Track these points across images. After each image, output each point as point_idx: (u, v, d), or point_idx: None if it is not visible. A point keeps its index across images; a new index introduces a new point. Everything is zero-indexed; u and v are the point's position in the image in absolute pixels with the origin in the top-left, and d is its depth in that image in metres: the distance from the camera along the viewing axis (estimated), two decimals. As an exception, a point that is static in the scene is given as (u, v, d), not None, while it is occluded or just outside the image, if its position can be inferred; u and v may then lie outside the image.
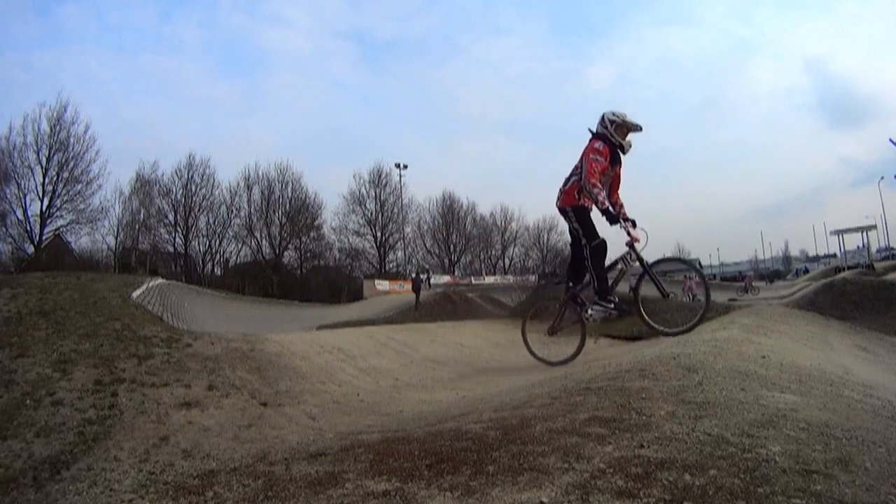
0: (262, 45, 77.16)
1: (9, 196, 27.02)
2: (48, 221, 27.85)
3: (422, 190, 71.36)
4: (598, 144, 6.30)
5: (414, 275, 29.25)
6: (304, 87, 77.72)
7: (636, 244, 6.55)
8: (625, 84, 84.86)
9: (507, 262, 51.02)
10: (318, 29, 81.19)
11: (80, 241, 30.03)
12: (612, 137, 6.30)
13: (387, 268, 42.18)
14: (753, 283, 30.81)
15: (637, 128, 6.35)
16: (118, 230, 31.69)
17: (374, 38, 79.66)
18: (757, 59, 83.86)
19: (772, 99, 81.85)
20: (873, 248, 36.43)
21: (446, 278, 40.63)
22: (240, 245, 38.30)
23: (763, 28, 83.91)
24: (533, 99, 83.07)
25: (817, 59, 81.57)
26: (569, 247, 7.70)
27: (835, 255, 38.89)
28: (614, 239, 6.60)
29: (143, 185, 33.32)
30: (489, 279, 43.26)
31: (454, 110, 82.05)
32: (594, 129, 6.41)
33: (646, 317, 7.10)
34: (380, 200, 43.29)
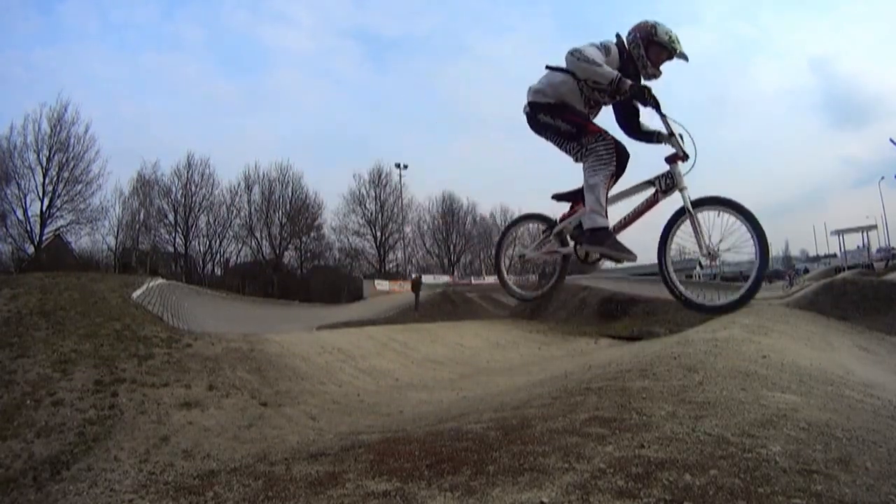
0: (264, 44, 77.25)
1: (9, 196, 26.95)
2: (48, 221, 27.79)
3: (422, 190, 71.42)
4: None
5: (414, 275, 29.24)
6: (305, 87, 77.71)
7: None
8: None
9: (507, 262, 50.99)
10: (320, 27, 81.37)
11: (81, 241, 29.95)
12: None
13: (387, 268, 42.14)
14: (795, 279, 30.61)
15: None
16: (118, 230, 31.64)
17: (378, 36, 79.78)
18: (761, 59, 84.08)
19: (775, 99, 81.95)
20: (873, 248, 36.35)
21: (446, 278, 40.59)
22: (240, 245, 38.19)
23: (768, 27, 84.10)
24: None
25: (822, 58, 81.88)
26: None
27: (835, 255, 38.85)
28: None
29: (144, 185, 33.26)
30: (489, 279, 43.19)
31: (455, 110, 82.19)
32: None
33: None
34: (380, 200, 43.22)
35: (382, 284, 34.69)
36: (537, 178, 77.90)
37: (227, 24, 71.18)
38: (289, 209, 38.59)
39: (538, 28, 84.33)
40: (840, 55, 79.25)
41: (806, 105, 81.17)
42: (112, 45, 63.56)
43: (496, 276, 3.73)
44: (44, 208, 27.32)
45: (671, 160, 2.66)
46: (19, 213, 26.96)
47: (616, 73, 2.53)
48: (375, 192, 43.03)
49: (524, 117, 2.90)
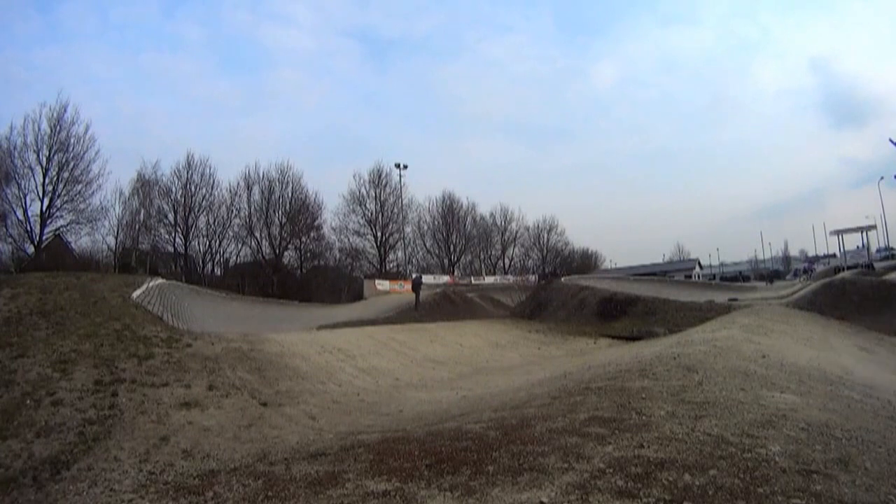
0: (264, 44, 77.37)
1: (9, 196, 26.93)
2: (48, 221, 27.78)
3: (422, 190, 71.68)
4: None
5: (414, 275, 29.24)
6: (306, 87, 77.93)
7: None
8: (629, 84, 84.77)
9: (507, 262, 50.94)
10: (321, 28, 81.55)
11: (80, 241, 29.94)
12: None
13: (387, 268, 42.16)
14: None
15: None
16: (118, 230, 31.65)
17: (378, 36, 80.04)
18: (761, 59, 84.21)
19: (776, 99, 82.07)
20: (873, 249, 36.43)
21: (446, 278, 40.61)
22: (240, 245, 38.18)
23: (768, 27, 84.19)
24: (535, 98, 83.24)
25: (823, 58, 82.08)
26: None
27: (834, 255, 38.92)
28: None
29: (144, 185, 33.29)
30: (489, 279, 43.21)
31: (456, 110, 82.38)
32: None
33: None
34: (380, 200, 43.24)
35: (382, 284, 34.68)
36: (537, 174, 78.04)
37: (228, 24, 71.20)
38: (289, 209, 38.61)
39: (539, 28, 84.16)
40: (841, 55, 79.28)
41: (806, 105, 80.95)
42: (112, 45, 63.59)
43: None
44: (44, 208, 27.31)
45: None
46: (19, 213, 26.95)
47: None
48: (376, 192, 43.06)
49: None
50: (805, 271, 38.91)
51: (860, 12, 74.01)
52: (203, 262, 36.74)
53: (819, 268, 36.45)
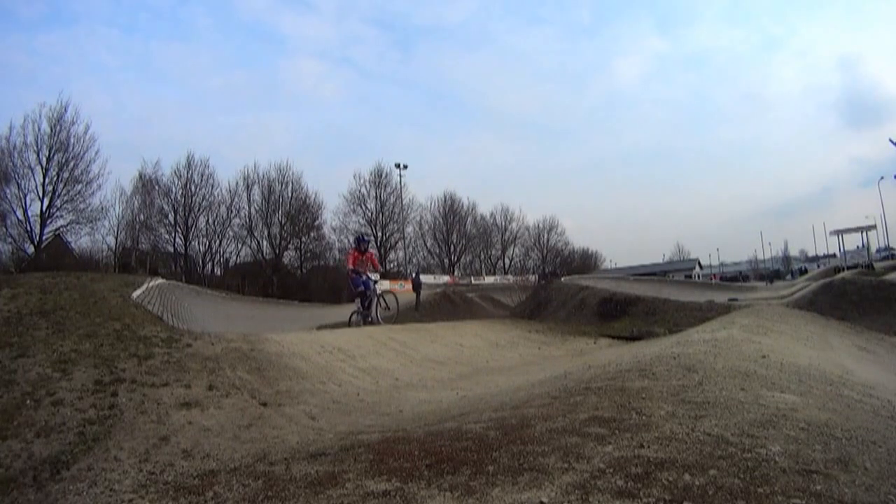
0: (264, 45, 77.30)
1: (9, 196, 27.01)
2: (48, 221, 27.83)
3: (424, 190, 72.02)
4: None
5: (413, 275, 29.28)
6: (308, 87, 77.93)
7: None
8: (651, 81, 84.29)
9: (507, 262, 51.10)
10: (323, 28, 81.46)
11: (80, 241, 30.01)
12: None
13: (387, 268, 42.21)
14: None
15: None
16: (118, 230, 31.68)
17: (385, 35, 79.79)
18: (785, 58, 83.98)
19: (795, 98, 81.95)
20: (873, 249, 36.45)
21: (446, 278, 40.66)
22: (240, 245, 38.32)
23: (795, 27, 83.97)
24: (550, 94, 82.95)
25: (848, 57, 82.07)
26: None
27: (834, 255, 38.97)
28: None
29: (145, 185, 33.36)
30: (489, 279, 43.29)
31: (464, 104, 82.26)
32: None
33: None
34: (380, 200, 43.37)
35: (382, 284, 34.71)
36: (538, 174, 77.94)
37: (243, 10, 70.72)
38: (289, 209, 38.65)
39: (573, 20, 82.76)
40: (865, 56, 78.88)
41: (823, 104, 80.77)
42: (122, 29, 63.13)
43: None
44: (44, 208, 27.36)
45: None
46: (19, 213, 27.02)
47: None
48: (376, 192, 43.16)
49: None
50: (801, 271, 39.14)
51: (887, 13, 73.38)
52: (203, 262, 36.79)
53: (815, 268, 36.51)
